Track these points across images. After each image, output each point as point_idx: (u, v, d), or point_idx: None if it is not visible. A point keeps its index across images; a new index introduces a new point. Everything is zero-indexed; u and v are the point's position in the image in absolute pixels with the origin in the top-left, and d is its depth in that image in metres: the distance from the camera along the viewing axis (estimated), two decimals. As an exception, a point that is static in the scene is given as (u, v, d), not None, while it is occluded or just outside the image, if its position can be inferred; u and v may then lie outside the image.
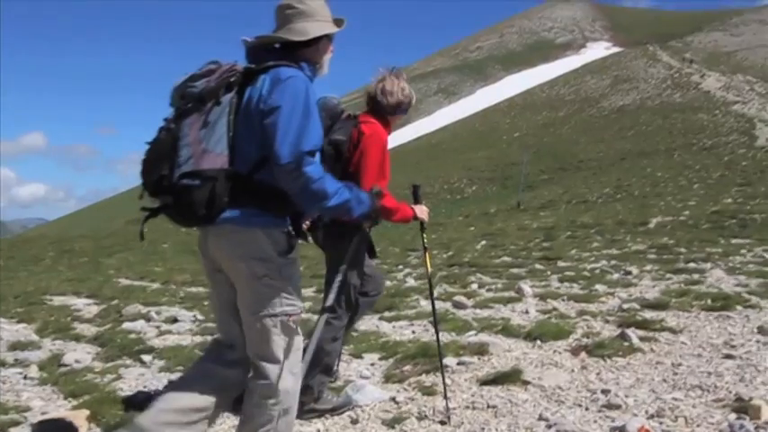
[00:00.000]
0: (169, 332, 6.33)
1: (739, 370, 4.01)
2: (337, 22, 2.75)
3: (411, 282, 9.23)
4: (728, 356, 4.33)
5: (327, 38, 2.73)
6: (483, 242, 14.75)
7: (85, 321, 7.28)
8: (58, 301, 9.36)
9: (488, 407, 3.65)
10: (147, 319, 7.08)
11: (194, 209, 2.43)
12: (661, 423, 3.26)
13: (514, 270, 9.60)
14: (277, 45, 2.69)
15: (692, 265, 8.63)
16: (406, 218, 3.69)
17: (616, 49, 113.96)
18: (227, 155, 2.47)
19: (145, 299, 8.87)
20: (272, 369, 2.62)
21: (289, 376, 2.65)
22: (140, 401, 3.68)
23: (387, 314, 6.61)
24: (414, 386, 4.10)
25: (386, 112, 3.71)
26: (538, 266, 9.80)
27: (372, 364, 4.69)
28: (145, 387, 4.38)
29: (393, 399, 3.87)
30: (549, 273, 8.95)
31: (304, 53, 2.67)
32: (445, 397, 3.66)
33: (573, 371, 4.25)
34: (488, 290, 7.89)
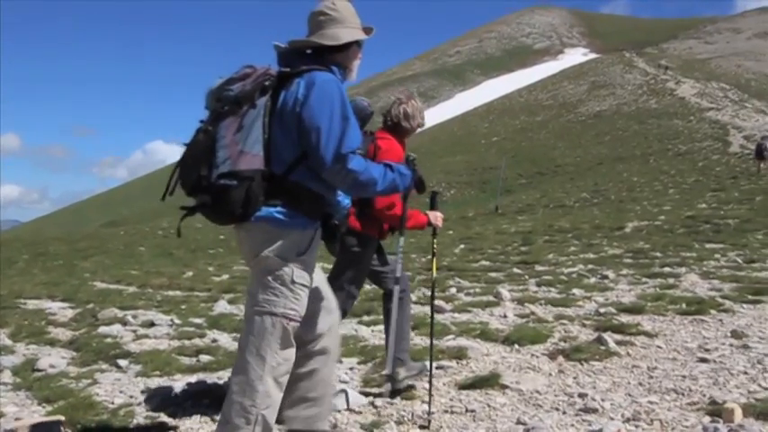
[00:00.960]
0: (146, 336, 6.26)
1: (713, 373, 4.07)
2: (366, 30, 2.86)
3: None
4: (703, 360, 4.39)
5: (357, 44, 2.84)
6: (461, 246, 14.81)
7: (60, 325, 7.18)
8: (32, 304, 9.21)
9: (467, 411, 3.67)
10: (124, 323, 7.00)
11: (232, 208, 2.52)
12: (637, 426, 3.30)
13: (493, 274, 9.66)
14: (309, 50, 2.78)
15: (667, 269, 8.75)
16: (420, 224, 3.91)
17: (593, 56, 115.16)
18: (262, 156, 2.56)
19: (121, 302, 8.77)
20: (255, 366, 2.63)
21: (270, 380, 2.64)
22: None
23: (365, 318, 6.61)
24: (392, 391, 4.10)
25: (406, 133, 4.00)
26: (516, 270, 9.86)
27: (351, 369, 4.69)
28: (121, 392, 4.33)
29: (372, 403, 3.86)
30: (526, 277, 9.01)
31: (335, 58, 2.77)
32: (429, 401, 3.66)
33: (550, 375, 4.28)
34: (467, 294, 7.92)
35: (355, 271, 3.85)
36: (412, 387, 3.99)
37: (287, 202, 2.62)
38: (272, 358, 2.64)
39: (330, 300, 2.98)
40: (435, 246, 4.00)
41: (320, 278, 2.96)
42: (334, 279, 3.75)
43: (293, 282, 2.67)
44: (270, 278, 2.65)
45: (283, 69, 2.68)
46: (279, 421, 2.82)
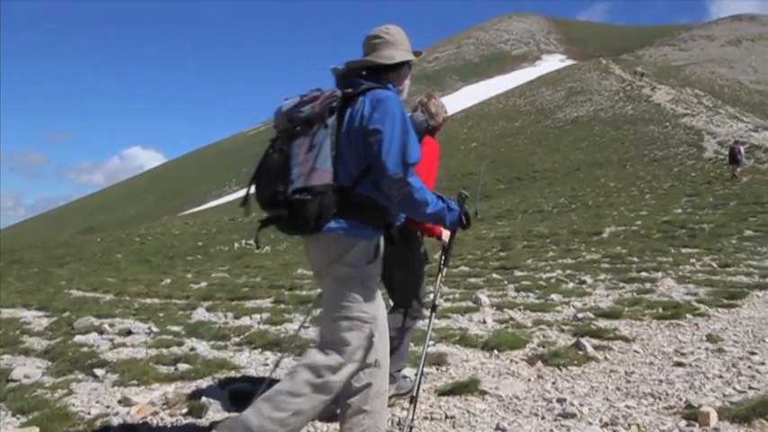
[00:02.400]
0: (123, 345, 6.19)
1: (689, 377, 4.13)
2: (416, 54, 3.12)
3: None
4: (679, 364, 4.44)
5: (407, 65, 3.10)
6: (441, 251, 14.83)
7: (35, 335, 7.08)
8: (6, 313, 9.07)
9: (446, 417, 3.67)
10: (100, 331, 6.92)
11: (306, 220, 2.72)
12: (615, 431, 3.33)
13: (472, 280, 9.69)
14: (364, 72, 3.02)
15: (643, 274, 8.84)
16: (434, 233, 4.15)
17: (570, 62, 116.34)
18: (332, 171, 2.76)
19: (98, 311, 8.66)
20: (333, 360, 2.83)
21: (343, 374, 2.85)
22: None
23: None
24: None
25: (434, 130, 4.23)
26: (495, 276, 9.90)
27: (331, 376, 4.67)
28: (98, 402, 4.28)
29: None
30: (505, 282, 9.05)
31: (389, 77, 3.02)
32: (414, 408, 3.66)
33: (529, 380, 4.30)
34: (446, 300, 7.93)
35: (404, 271, 4.15)
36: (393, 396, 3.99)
37: (354, 214, 2.82)
38: (350, 354, 2.84)
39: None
40: (444, 255, 4.00)
41: None
42: (391, 290, 4.16)
43: (364, 287, 2.88)
44: (343, 285, 2.86)
45: (346, 90, 2.91)
46: None
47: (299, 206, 2.71)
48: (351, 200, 2.81)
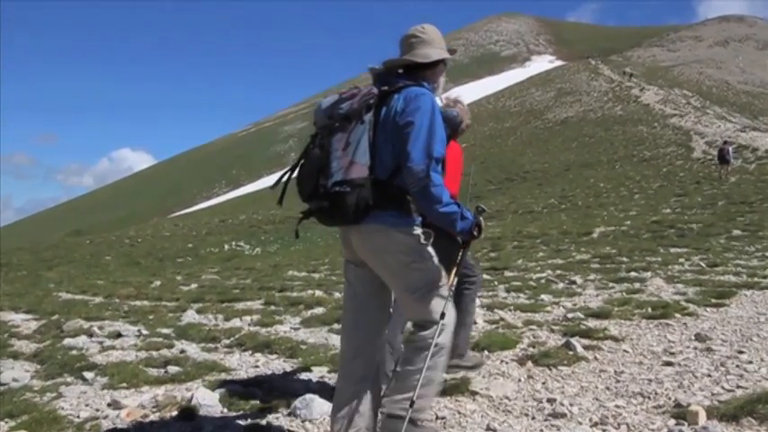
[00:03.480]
0: (112, 348, 6.16)
1: (678, 377, 4.15)
2: (450, 51, 3.25)
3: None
4: (668, 364, 4.47)
5: (443, 63, 3.22)
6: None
7: (24, 338, 7.04)
8: (-6, 316, 9.02)
9: (437, 418, 3.67)
10: (90, 334, 6.88)
11: (347, 211, 2.87)
12: (605, 430, 3.34)
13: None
14: (400, 70, 3.17)
15: (633, 274, 8.88)
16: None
17: (559, 63, 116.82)
18: (369, 165, 2.92)
19: (87, 313, 8.62)
20: (429, 328, 3.04)
21: (443, 334, 3.06)
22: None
23: (336, 326, 6.58)
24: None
25: (459, 134, 4.34)
26: (485, 276, 9.91)
27: (321, 377, 4.67)
28: (87, 405, 4.26)
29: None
30: (496, 283, 9.07)
31: (425, 74, 3.15)
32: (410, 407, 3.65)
33: (520, 381, 4.31)
34: (437, 300, 7.94)
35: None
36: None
37: (392, 205, 2.97)
38: (440, 317, 3.03)
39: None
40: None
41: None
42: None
43: (424, 260, 3.05)
44: (406, 269, 3.03)
45: (383, 88, 3.05)
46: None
47: (340, 198, 2.86)
48: (388, 192, 2.95)
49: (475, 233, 3.20)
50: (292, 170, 3.07)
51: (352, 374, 3.13)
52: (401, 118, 2.94)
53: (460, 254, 3.41)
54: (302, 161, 3.02)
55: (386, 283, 3.11)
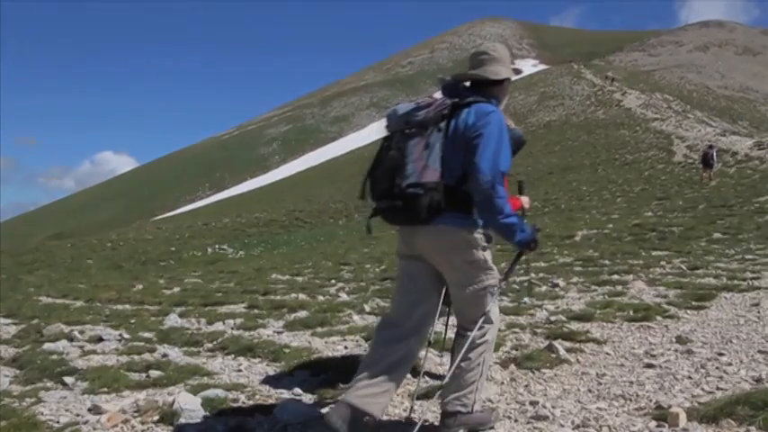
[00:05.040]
0: (93, 352, 6.10)
1: (659, 379, 4.18)
2: (515, 71, 3.52)
3: (344, 296, 9.22)
4: (649, 366, 4.50)
5: (509, 81, 3.45)
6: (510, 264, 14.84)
7: (3, 342, 6.94)
8: (-28, 321, 8.90)
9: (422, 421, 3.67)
10: (70, 338, 6.81)
11: (419, 211, 3.08)
12: (586, 433, 3.36)
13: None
14: (467, 83, 3.40)
15: (615, 276, 8.94)
16: (516, 209, 4.14)
17: (543, 67, 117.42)
18: (440, 171, 3.11)
19: (67, 317, 8.53)
20: (481, 327, 3.33)
21: (492, 331, 3.40)
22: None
23: (319, 330, 6.58)
24: (346, 402, 4.08)
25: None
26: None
27: (304, 381, 4.65)
28: (67, 410, 4.21)
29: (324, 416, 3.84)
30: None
31: (492, 90, 3.38)
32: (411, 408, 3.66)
33: (503, 383, 4.33)
34: (420, 304, 7.94)
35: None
36: None
37: (460, 208, 3.18)
38: (489, 316, 3.36)
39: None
40: (505, 275, 4.05)
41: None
42: None
43: (485, 261, 3.30)
44: (469, 267, 3.27)
45: (454, 100, 3.27)
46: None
47: (413, 199, 3.07)
48: (456, 196, 3.16)
49: (531, 246, 3.39)
50: (370, 171, 3.27)
51: (388, 356, 3.32)
52: (471, 131, 3.15)
53: (514, 262, 3.66)
54: (377, 162, 3.25)
55: (446, 278, 3.35)
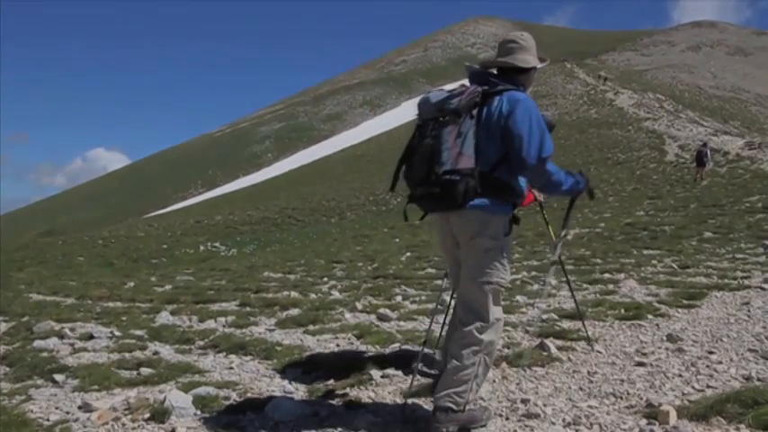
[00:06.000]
0: (84, 350, 6.09)
1: (650, 377, 4.19)
2: (541, 60, 3.57)
3: (336, 294, 9.22)
4: (640, 364, 4.51)
5: (535, 69, 3.55)
6: (408, 254, 14.88)
7: (-7, 340, 6.92)
8: (-38, 318, 8.85)
9: (413, 419, 3.68)
10: (61, 336, 6.79)
11: (455, 197, 3.19)
12: (577, 430, 3.37)
13: (438, 281, 9.71)
14: (494, 71, 3.49)
15: (606, 275, 8.96)
16: (529, 201, 4.52)
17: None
18: (474, 157, 3.22)
19: (58, 315, 8.50)
20: (480, 324, 3.36)
21: (492, 332, 3.39)
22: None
23: (311, 327, 6.57)
24: (337, 400, 4.09)
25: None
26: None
27: (296, 379, 4.65)
28: (57, 408, 4.20)
29: (316, 414, 3.84)
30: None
31: (519, 78, 3.48)
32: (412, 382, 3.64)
33: (494, 381, 4.33)
34: (412, 302, 7.96)
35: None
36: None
37: (493, 194, 3.29)
38: (491, 315, 3.39)
39: None
40: (546, 216, 4.16)
41: None
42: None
43: (503, 256, 3.40)
44: (486, 254, 3.36)
45: (485, 88, 3.36)
46: None
47: (450, 185, 3.18)
48: (489, 182, 3.27)
49: (587, 191, 3.84)
50: (403, 159, 3.37)
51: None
52: (508, 121, 3.25)
53: (569, 211, 4.09)
54: (411, 150, 3.34)
55: (462, 261, 3.46)
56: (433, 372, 4.48)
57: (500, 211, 3.35)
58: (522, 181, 3.47)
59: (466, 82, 3.46)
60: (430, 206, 3.38)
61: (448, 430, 3.30)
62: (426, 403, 3.92)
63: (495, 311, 3.42)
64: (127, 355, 5.75)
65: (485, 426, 3.47)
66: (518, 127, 3.24)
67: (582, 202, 3.90)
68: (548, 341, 5.05)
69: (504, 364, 4.65)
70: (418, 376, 4.32)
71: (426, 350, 4.92)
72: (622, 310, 6.34)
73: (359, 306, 7.65)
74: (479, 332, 3.35)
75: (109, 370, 5.06)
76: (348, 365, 4.69)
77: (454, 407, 3.30)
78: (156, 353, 5.76)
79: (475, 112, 3.29)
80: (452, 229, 3.44)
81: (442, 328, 4.31)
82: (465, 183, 3.17)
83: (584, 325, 4.99)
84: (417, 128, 3.38)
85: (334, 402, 4.05)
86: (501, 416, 3.67)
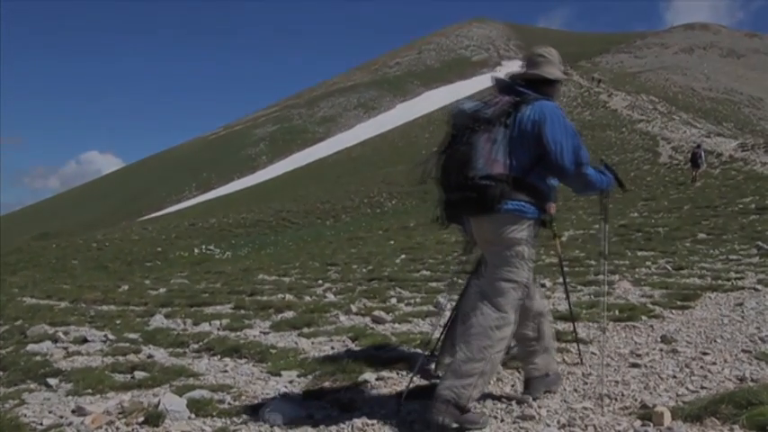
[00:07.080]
0: (78, 353, 6.06)
1: (644, 378, 4.20)
2: (566, 74, 3.72)
3: (331, 297, 9.20)
4: (634, 365, 4.52)
5: (560, 83, 3.73)
6: (402, 256, 14.88)
7: (-14, 344, 6.88)
8: (-45, 322, 8.80)
9: (409, 421, 3.67)
10: (54, 339, 6.76)
11: (490, 201, 3.35)
12: (572, 432, 3.37)
13: (433, 284, 9.72)
14: (521, 82, 3.63)
15: (601, 277, 8.96)
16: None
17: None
18: (508, 163, 3.40)
19: (52, 318, 8.46)
20: (495, 318, 3.47)
21: (506, 329, 3.50)
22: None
23: (306, 330, 6.56)
24: (332, 403, 4.08)
25: None
26: (456, 280, 9.93)
27: (291, 382, 4.64)
28: (51, 412, 4.18)
29: (311, 416, 3.84)
30: (466, 286, 9.09)
31: (546, 90, 3.64)
32: (407, 387, 3.64)
33: (489, 383, 4.32)
34: (407, 304, 7.96)
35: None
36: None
37: (525, 198, 3.46)
38: (509, 314, 3.51)
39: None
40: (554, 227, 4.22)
41: None
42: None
43: (527, 258, 3.55)
44: (512, 255, 3.51)
45: (516, 98, 3.52)
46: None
47: (485, 190, 3.34)
48: (521, 187, 3.43)
49: (617, 186, 3.99)
50: (437, 163, 3.55)
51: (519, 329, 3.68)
52: (542, 129, 3.40)
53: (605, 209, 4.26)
54: (447, 156, 3.51)
55: (487, 258, 3.64)
56: (431, 374, 4.48)
57: (530, 214, 3.50)
58: (552, 186, 3.65)
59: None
60: (465, 210, 3.54)
61: (444, 421, 3.34)
62: (421, 405, 3.92)
63: (512, 312, 3.53)
64: (121, 358, 5.73)
65: (483, 428, 3.46)
66: (553, 135, 3.41)
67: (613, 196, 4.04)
68: (542, 343, 5.04)
69: (498, 366, 4.65)
70: (414, 380, 4.32)
71: (425, 353, 4.93)
72: (617, 312, 6.36)
73: (354, 308, 7.64)
74: (495, 327, 3.44)
75: (103, 373, 5.04)
76: (343, 368, 4.68)
77: (453, 400, 3.34)
78: (150, 356, 5.74)
79: (507, 120, 3.44)
80: (483, 231, 3.60)
81: (443, 331, 4.30)
82: (499, 187, 3.34)
83: (574, 327, 4.97)
84: (451, 136, 3.54)
85: (328, 405, 4.05)
86: (496, 418, 3.66)
